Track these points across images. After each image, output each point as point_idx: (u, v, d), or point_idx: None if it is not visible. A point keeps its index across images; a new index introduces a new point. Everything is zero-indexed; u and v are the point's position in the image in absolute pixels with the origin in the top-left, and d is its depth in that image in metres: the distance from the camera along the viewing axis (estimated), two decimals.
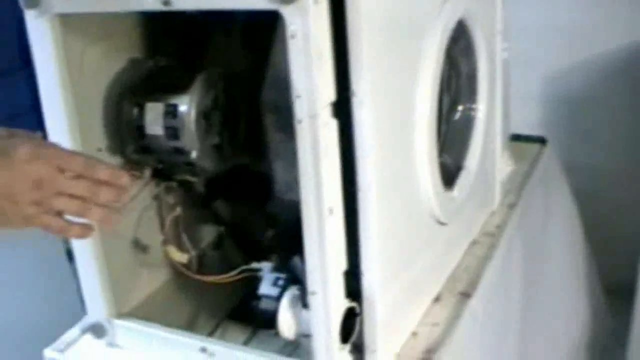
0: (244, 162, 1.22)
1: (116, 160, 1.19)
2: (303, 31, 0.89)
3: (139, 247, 1.32)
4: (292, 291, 1.12)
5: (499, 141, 1.61)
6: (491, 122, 1.53)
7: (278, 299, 1.12)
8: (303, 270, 1.07)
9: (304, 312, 1.10)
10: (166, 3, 0.96)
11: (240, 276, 1.18)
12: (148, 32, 1.23)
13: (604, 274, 2.16)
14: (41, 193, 0.87)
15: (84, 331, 1.27)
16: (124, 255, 1.28)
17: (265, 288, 1.14)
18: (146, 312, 1.28)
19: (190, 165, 1.17)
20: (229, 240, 1.36)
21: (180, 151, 1.15)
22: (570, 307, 2.07)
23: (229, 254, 1.38)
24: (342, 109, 0.98)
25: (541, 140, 1.95)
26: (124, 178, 0.93)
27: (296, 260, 1.12)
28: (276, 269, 1.16)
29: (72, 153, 0.96)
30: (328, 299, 1.03)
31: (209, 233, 1.36)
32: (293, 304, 1.11)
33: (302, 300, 1.11)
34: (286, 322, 1.11)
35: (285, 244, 1.16)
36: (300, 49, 0.90)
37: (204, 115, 1.14)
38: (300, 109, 0.93)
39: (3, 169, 0.86)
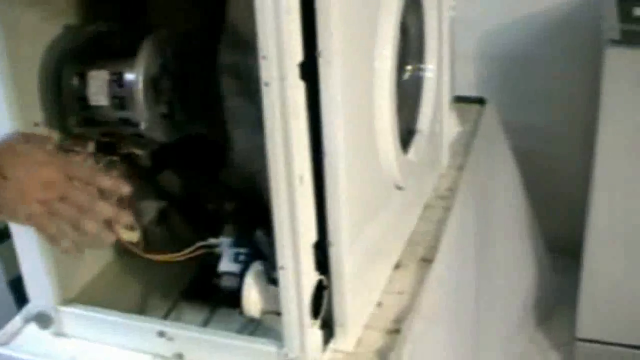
0: (196, 131, 1.14)
1: (56, 135, 1.10)
2: None
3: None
4: (256, 267, 1.06)
5: (446, 102, 1.58)
6: (440, 83, 1.49)
7: (241, 275, 1.05)
8: (267, 244, 1.01)
9: (270, 288, 1.04)
10: None
11: (196, 253, 1.11)
12: None
13: (546, 232, 2.17)
14: (48, 194, 0.96)
15: (28, 321, 1.17)
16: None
17: (226, 264, 1.07)
18: (92, 297, 1.20)
19: (138, 137, 1.09)
20: (175, 215, 1.28)
21: (127, 122, 1.07)
22: (517, 266, 2.08)
23: (176, 229, 1.30)
24: (307, 70, 0.91)
25: (480, 101, 1.93)
26: (126, 188, 1.02)
27: (259, 233, 1.05)
28: (235, 243, 1.08)
29: (81, 164, 1.06)
30: (299, 274, 0.97)
31: (151, 208, 1.27)
32: (257, 280, 1.05)
33: (267, 276, 1.04)
34: (251, 300, 1.05)
35: (246, 216, 1.09)
36: (268, 5, 0.83)
37: (152, 83, 1.05)
38: (267, 71, 0.86)
39: (21, 168, 0.96)
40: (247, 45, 0.94)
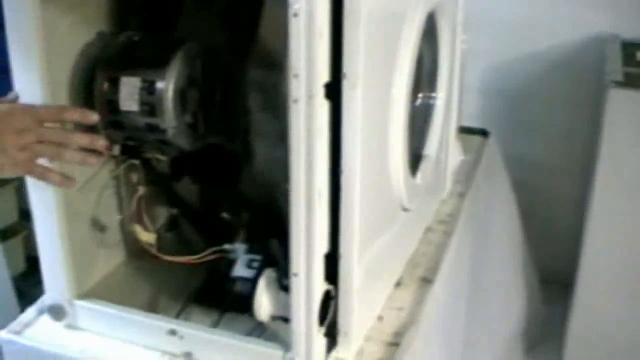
0: (217, 141, 1.19)
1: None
2: (307, 9, 0.88)
3: (98, 226, 1.28)
4: (269, 273, 1.11)
5: (453, 130, 1.63)
6: (449, 111, 1.55)
7: (253, 281, 1.10)
8: (281, 253, 1.06)
9: (281, 294, 1.09)
10: None
11: (210, 257, 1.16)
12: (117, 3, 1.19)
13: (539, 263, 2.22)
14: (24, 139, 1.02)
15: (42, 312, 1.22)
16: (83, 235, 1.24)
17: (240, 270, 1.13)
18: (104, 294, 1.24)
19: (163, 143, 1.14)
20: (187, 222, 1.33)
21: (154, 128, 1.12)
22: (509, 294, 2.13)
23: (187, 236, 1.35)
24: (331, 90, 0.97)
25: (483, 133, 1.99)
26: (93, 115, 1.09)
27: (274, 242, 1.10)
28: (249, 250, 1.13)
29: (45, 105, 1.08)
30: (310, 282, 1.02)
31: (162, 214, 1.33)
32: (270, 286, 1.10)
33: (279, 283, 1.10)
34: (262, 305, 1.10)
35: (261, 225, 1.14)
36: (302, 28, 0.89)
37: (181, 93, 1.11)
38: (297, 89, 0.92)
39: None
40: (275, 63, 1.00)
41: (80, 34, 1.16)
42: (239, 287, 1.11)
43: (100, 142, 1.09)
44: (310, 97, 0.92)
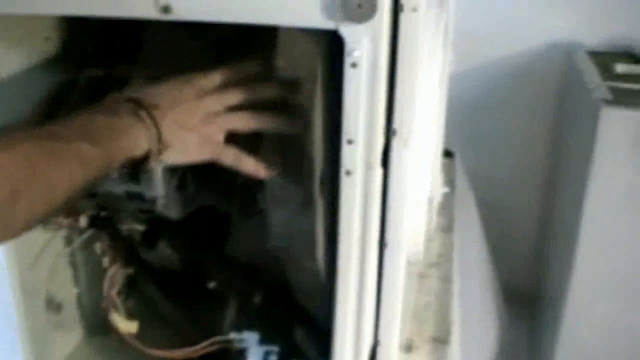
0: (209, 203, 0.98)
1: None
2: (371, 58, 0.68)
3: (53, 305, 1.05)
4: None
5: (439, 160, 1.48)
6: (438, 140, 1.39)
7: None
8: (310, 344, 0.87)
9: None
10: (166, 10, 0.71)
11: (211, 349, 0.94)
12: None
13: (503, 282, 2.11)
14: (207, 104, 0.83)
15: None
16: (38, 317, 1.01)
17: None
18: None
19: (146, 212, 0.92)
20: (169, 300, 1.11)
21: (136, 197, 0.89)
22: (481, 316, 2.01)
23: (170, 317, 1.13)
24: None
25: (447, 154, 1.84)
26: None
27: (299, 332, 0.90)
28: (263, 340, 0.93)
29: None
30: None
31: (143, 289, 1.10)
32: None
33: None
34: None
35: (277, 308, 0.94)
36: (363, 83, 0.69)
37: None
38: (352, 158, 0.72)
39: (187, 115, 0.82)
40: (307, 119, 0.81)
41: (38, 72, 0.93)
42: None
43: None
44: (369, 167, 0.72)
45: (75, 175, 0.71)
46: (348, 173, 0.73)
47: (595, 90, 1.56)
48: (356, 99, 0.70)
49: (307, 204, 0.85)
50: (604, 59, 1.78)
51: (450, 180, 1.75)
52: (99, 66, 0.97)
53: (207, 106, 0.83)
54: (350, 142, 0.72)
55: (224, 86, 0.85)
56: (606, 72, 1.67)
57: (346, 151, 0.72)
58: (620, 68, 1.68)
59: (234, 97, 0.84)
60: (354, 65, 0.68)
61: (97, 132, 0.74)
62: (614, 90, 1.56)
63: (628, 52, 1.85)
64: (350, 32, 0.67)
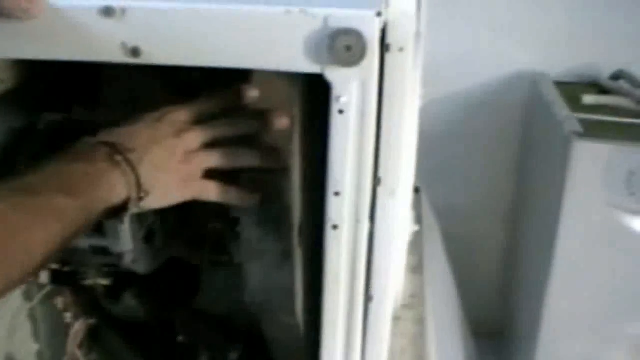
0: (178, 254, 0.91)
1: None
2: (360, 105, 0.63)
3: None
4: None
5: (410, 199, 1.43)
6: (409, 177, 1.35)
7: None
8: None
9: None
10: (135, 54, 0.65)
11: None
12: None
13: (468, 314, 2.06)
14: (186, 142, 0.77)
15: None
16: None
17: None
18: None
19: (112, 267, 0.86)
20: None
21: (102, 252, 0.83)
22: (452, 354, 1.95)
23: None
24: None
25: (415, 189, 1.79)
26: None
27: None
28: None
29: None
30: None
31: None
32: None
33: None
34: None
35: None
36: (352, 131, 0.64)
37: None
38: (339, 212, 0.67)
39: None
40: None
41: None
42: None
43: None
44: (357, 221, 0.67)
45: (54, 233, 0.64)
46: (335, 227, 0.67)
47: (565, 123, 1.53)
48: (344, 148, 0.65)
49: (285, 255, 0.80)
50: (569, 89, 1.76)
51: (418, 216, 1.71)
52: (57, 109, 0.91)
53: (186, 144, 0.76)
54: (337, 194, 0.66)
55: (201, 121, 0.79)
56: (574, 103, 1.65)
57: (333, 204, 0.67)
58: (588, 99, 1.66)
59: (213, 132, 0.78)
60: (341, 112, 0.63)
61: (73, 182, 0.68)
62: (583, 122, 1.53)
63: (593, 82, 1.83)
64: (337, 77, 0.62)
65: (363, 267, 0.73)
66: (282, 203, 0.78)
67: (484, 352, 2.15)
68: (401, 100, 0.69)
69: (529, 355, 1.82)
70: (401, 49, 0.66)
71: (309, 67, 0.62)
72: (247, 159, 0.79)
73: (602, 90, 1.75)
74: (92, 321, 1.04)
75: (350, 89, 0.63)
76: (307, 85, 0.70)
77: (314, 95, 0.67)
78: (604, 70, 1.82)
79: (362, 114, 0.64)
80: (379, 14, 0.60)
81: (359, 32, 0.60)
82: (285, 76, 0.67)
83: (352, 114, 0.64)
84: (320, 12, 0.61)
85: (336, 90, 0.63)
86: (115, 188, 0.70)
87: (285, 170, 0.77)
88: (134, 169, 0.71)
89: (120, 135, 0.74)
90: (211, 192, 0.77)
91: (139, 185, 0.71)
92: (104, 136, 0.73)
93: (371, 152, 0.67)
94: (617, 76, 1.78)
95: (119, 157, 0.70)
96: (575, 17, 1.87)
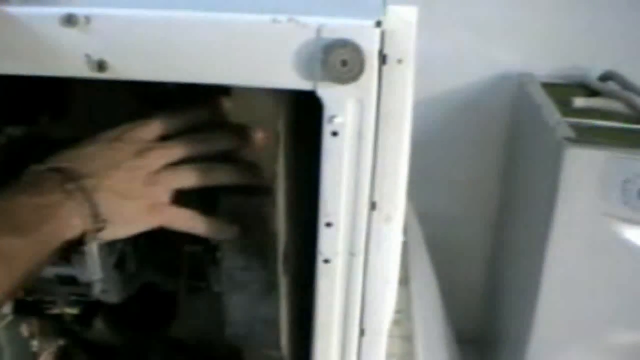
0: (152, 280, 0.84)
1: None
2: (356, 126, 0.56)
3: None
4: None
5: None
6: None
7: None
8: None
9: None
10: (101, 68, 0.58)
11: None
12: None
13: (453, 323, 2.01)
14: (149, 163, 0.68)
15: None
16: None
17: None
18: None
19: (81, 296, 0.78)
20: None
21: (69, 281, 0.75)
22: None
23: None
24: None
25: None
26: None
27: None
28: None
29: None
30: None
31: None
32: None
33: None
34: None
35: None
36: (347, 154, 0.57)
37: None
38: (332, 244, 0.60)
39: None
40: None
41: None
42: None
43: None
44: (352, 255, 0.60)
45: (1, 277, 0.57)
46: (326, 261, 0.60)
47: (557, 128, 1.47)
48: (337, 174, 0.58)
49: (269, 285, 0.73)
50: (557, 90, 1.70)
51: (403, 226, 1.64)
52: (19, 123, 0.83)
53: (150, 164, 0.69)
54: (329, 225, 0.59)
55: (165, 137, 0.71)
56: (564, 106, 1.58)
57: (324, 236, 0.60)
58: (579, 102, 1.60)
59: (180, 150, 0.70)
60: (335, 133, 0.56)
61: (21, 219, 0.60)
62: (575, 127, 1.47)
63: (581, 83, 1.77)
64: (331, 95, 0.55)
65: (358, 302, 0.66)
66: (266, 229, 0.70)
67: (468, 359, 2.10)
68: (400, 119, 0.62)
69: None
70: (400, 61, 0.59)
71: (299, 83, 0.55)
72: (220, 176, 0.71)
73: (591, 91, 1.69)
74: (61, 343, 0.97)
75: (345, 109, 0.56)
76: (295, 97, 0.62)
77: (303, 109, 0.60)
78: (592, 71, 1.76)
79: (359, 136, 0.57)
80: (378, 24, 0.53)
81: (356, 45, 0.53)
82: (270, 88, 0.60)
83: (347, 136, 0.57)
84: (312, 21, 0.53)
85: (330, 109, 0.56)
86: (69, 221, 0.62)
87: (268, 193, 0.69)
88: (89, 197, 0.63)
89: (73, 159, 0.66)
90: (182, 221, 0.69)
91: (96, 216, 0.63)
92: (55, 161, 0.65)
93: (368, 178, 0.60)
94: (606, 77, 1.72)
95: (71, 185, 0.62)
96: (562, 17, 1.81)
